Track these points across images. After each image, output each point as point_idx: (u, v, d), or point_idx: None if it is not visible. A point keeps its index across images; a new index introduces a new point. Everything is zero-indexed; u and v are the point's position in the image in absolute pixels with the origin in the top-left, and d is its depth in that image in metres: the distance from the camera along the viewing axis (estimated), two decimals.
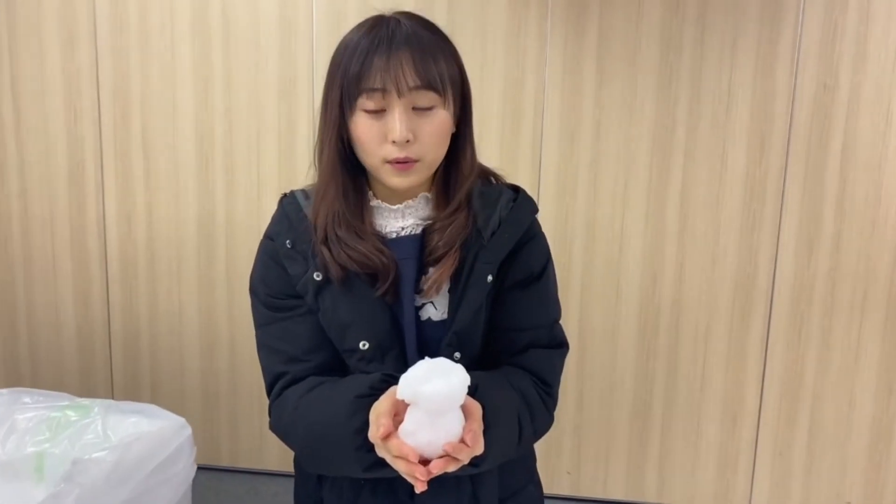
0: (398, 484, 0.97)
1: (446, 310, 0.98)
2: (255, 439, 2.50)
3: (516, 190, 1.05)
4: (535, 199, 1.10)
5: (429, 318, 0.99)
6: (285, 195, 1.04)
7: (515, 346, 1.01)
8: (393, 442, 0.80)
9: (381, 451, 0.84)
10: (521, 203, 1.02)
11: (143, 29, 2.32)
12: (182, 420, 1.37)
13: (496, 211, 1.00)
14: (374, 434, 0.83)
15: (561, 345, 1.05)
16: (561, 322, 1.07)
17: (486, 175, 1.05)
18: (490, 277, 0.98)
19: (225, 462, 2.52)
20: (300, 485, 1.11)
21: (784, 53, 2.12)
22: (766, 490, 2.32)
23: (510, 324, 1.01)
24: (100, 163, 2.41)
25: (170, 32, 2.31)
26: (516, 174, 2.23)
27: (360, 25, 0.95)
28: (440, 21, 1.01)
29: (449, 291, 0.98)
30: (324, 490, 1.04)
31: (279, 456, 2.48)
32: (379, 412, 0.83)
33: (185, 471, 1.32)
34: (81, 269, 2.48)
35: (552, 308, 1.06)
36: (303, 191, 1.03)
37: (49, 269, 2.49)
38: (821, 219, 2.18)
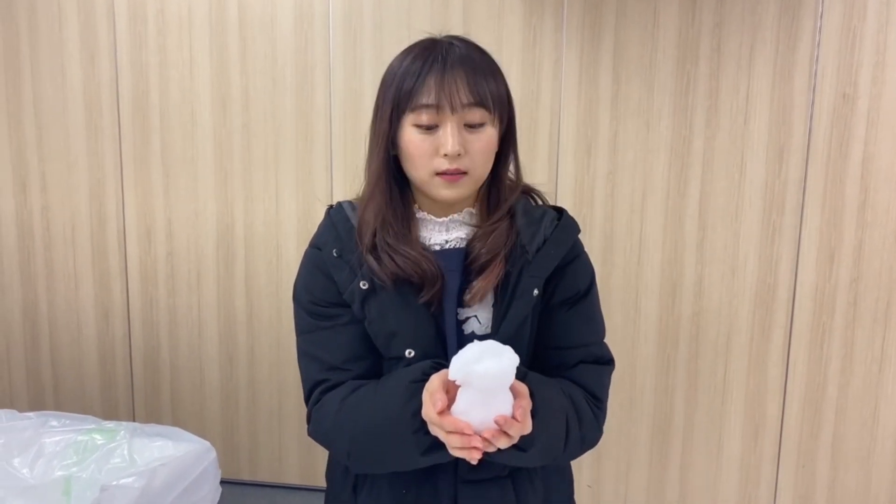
0: (441, 492, 0.99)
1: (489, 324, 1.00)
2: (274, 453, 2.51)
3: (559, 211, 1.08)
4: None
5: (472, 332, 1.01)
6: (332, 206, 1.07)
7: (566, 363, 1.03)
8: (448, 418, 0.83)
9: (434, 430, 0.87)
10: (564, 223, 1.05)
11: (161, 45, 2.34)
12: (207, 444, 1.37)
13: (540, 229, 1.02)
14: (428, 410, 0.86)
15: (609, 361, 1.08)
16: None
17: (530, 193, 1.08)
18: (536, 292, 1.00)
19: (245, 476, 2.53)
20: (332, 497, 1.11)
21: (802, 62, 2.10)
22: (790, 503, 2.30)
23: (560, 342, 1.03)
24: (120, 178, 2.44)
25: (188, 48, 2.33)
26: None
27: (411, 48, 0.98)
28: (454, 33, 1.03)
29: (493, 305, 1.00)
30: (359, 499, 1.05)
31: (299, 470, 2.49)
32: (432, 389, 0.86)
33: (210, 494, 1.33)
34: (102, 283, 2.51)
35: (599, 325, 1.08)
36: (350, 202, 1.06)
37: (71, 285, 2.52)
38: (842, 229, 2.15)
